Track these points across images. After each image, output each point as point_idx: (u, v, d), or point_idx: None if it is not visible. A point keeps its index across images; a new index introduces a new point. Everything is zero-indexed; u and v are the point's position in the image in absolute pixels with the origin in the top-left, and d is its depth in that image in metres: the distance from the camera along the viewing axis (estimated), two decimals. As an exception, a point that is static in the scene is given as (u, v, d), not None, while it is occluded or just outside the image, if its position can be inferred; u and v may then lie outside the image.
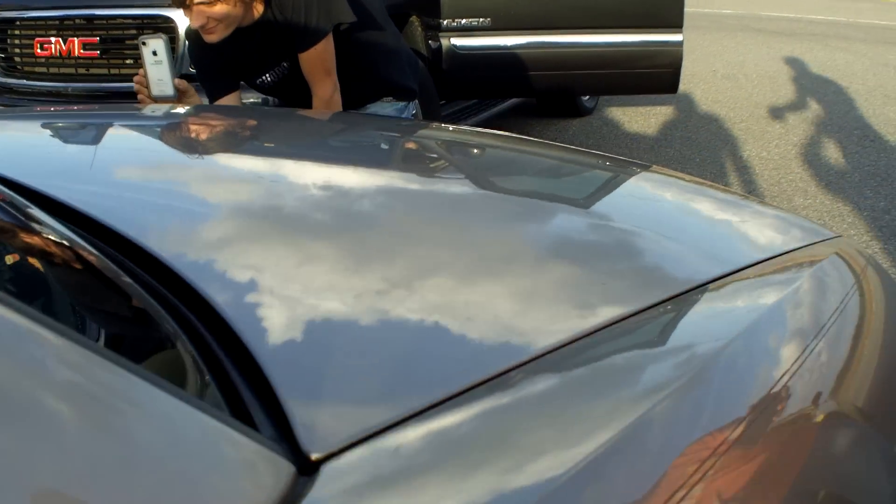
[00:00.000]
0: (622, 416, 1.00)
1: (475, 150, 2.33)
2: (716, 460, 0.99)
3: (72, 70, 5.31)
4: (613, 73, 6.00)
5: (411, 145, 2.35)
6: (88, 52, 5.23)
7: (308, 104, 3.28)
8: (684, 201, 1.92)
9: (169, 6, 4.62)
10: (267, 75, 3.33)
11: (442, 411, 0.97)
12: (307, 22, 3.08)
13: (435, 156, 2.27)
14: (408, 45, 3.81)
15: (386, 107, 3.51)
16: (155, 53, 2.92)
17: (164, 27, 4.98)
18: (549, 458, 0.92)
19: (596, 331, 1.17)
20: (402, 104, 3.57)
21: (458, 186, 1.96)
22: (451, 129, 2.71)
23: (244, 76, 3.33)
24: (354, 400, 1.01)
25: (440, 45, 5.68)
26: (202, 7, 2.94)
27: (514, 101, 7.50)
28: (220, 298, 1.14)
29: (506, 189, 1.95)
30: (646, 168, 2.31)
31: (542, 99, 7.92)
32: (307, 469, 0.86)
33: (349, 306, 1.19)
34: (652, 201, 1.92)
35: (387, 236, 1.49)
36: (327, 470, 0.86)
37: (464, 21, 5.67)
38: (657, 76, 6.02)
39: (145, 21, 5.11)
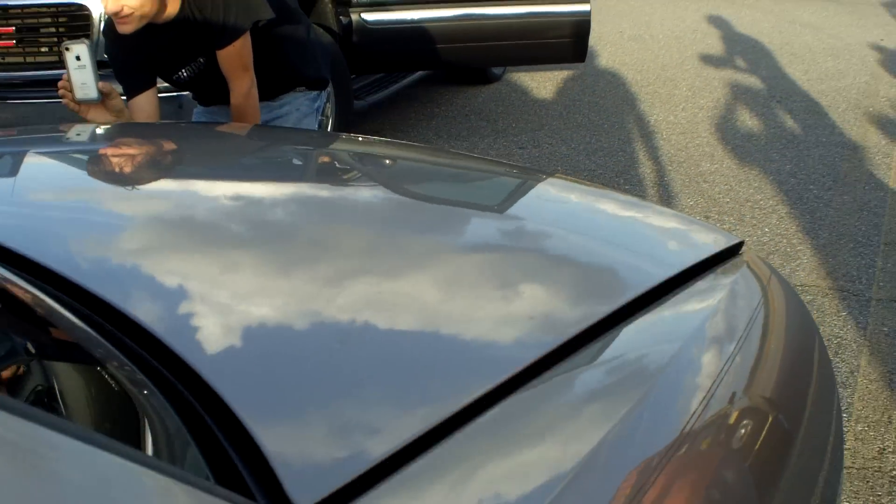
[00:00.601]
0: (587, 437, 1.07)
1: (387, 161, 2.36)
2: (668, 462, 1.10)
3: None
4: (522, 44, 6.05)
5: (335, 160, 2.37)
6: (4, 42, 5.19)
7: (224, 98, 3.28)
8: (591, 216, 1.97)
9: None
10: (183, 71, 3.33)
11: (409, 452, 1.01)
12: (226, 20, 3.08)
13: (357, 171, 2.30)
14: (319, 22, 3.81)
15: (299, 96, 3.53)
16: (78, 58, 2.96)
17: (79, 14, 4.98)
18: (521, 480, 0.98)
19: (543, 357, 1.23)
20: (314, 93, 3.59)
21: (385, 204, 1.99)
22: (360, 139, 2.74)
23: (160, 72, 3.33)
24: (328, 452, 1.04)
25: (350, 21, 5.69)
26: None
27: (423, 71, 7.52)
28: (180, 346, 1.17)
29: (413, 206, 1.99)
30: (550, 176, 2.35)
31: (452, 69, 7.94)
32: None
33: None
34: (563, 216, 1.96)
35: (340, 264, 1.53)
36: None
37: (373, -5, 5.70)
38: (565, 46, 6.07)
39: (59, 9, 5.10)
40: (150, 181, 2.06)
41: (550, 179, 2.29)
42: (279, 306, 1.33)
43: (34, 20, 5.20)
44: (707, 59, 9.12)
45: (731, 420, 1.31)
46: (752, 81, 8.26)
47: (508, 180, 2.26)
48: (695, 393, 1.27)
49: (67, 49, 2.97)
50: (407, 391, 1.16)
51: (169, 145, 2.48)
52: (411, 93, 7.38)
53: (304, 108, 3.55)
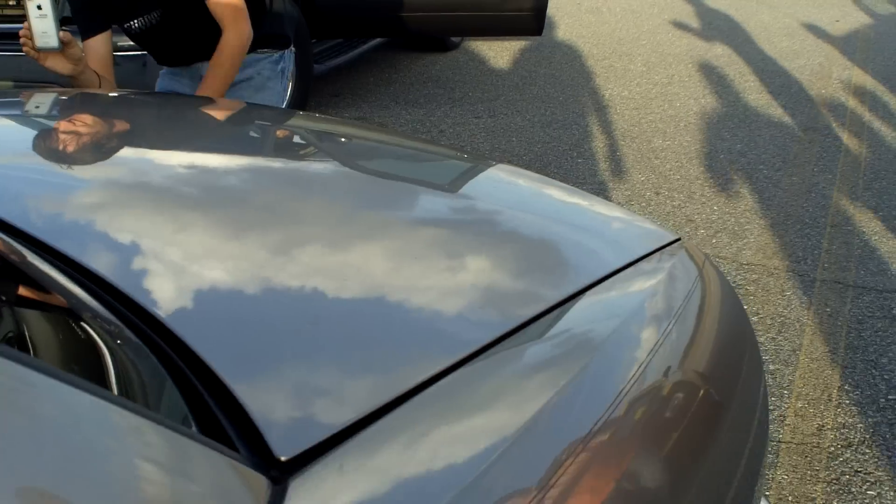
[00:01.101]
0: (529, 404, 1.15)
1: (347, 141, 2.41)
2: (602, 427, 1.19)
3: None
4: (479, 15, 6.09)
5: (313, 145, 2.41)
6: None
7: (183, 59, 3.30)
8: (538, 212, 2.02)
9: None
10: (136, 21, 3.34)
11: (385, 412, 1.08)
12: None
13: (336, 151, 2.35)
14: None
15: (261, 59, 3.54)
16: (39, 7, 2.99)
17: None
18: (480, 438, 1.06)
19: (498, 339, 1.30)
20: (277, 55, 3.60)
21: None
22: (318, 117, 2.79)
23: (115, 18, 3.34)
24: (314, 397, 1.12)
25: (309, -14, 5.71)
26: None
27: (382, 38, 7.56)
28: (161, 311, 1.22)
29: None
30: (493, 167, 2.40)
31: (411, 37, 7.99)
32: (280, 473, 0.95)
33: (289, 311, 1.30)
34: (511, 206, 2.01)
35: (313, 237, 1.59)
36: (298, 479, 0.95)
37: (333, -38, 5.72)
38: (522, 19, 6.11)
39: None
40: (109, 152, 2.10)
41: (501, 166, 2.35)
42: (251, 275, 1.38)
43: None
44: (663, 35, 9.20)
45: (665, 389, 1.39)
46: (707, 59, 8.35)
47: (462, 165, 2.32)
48: (632, 364, 1.35)
49: None
50: (372, 362, 1.22)
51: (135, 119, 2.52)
52: (371, 57, 7.41)
53: (267, 70, 3.55)
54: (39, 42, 3.03)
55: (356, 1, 5.85)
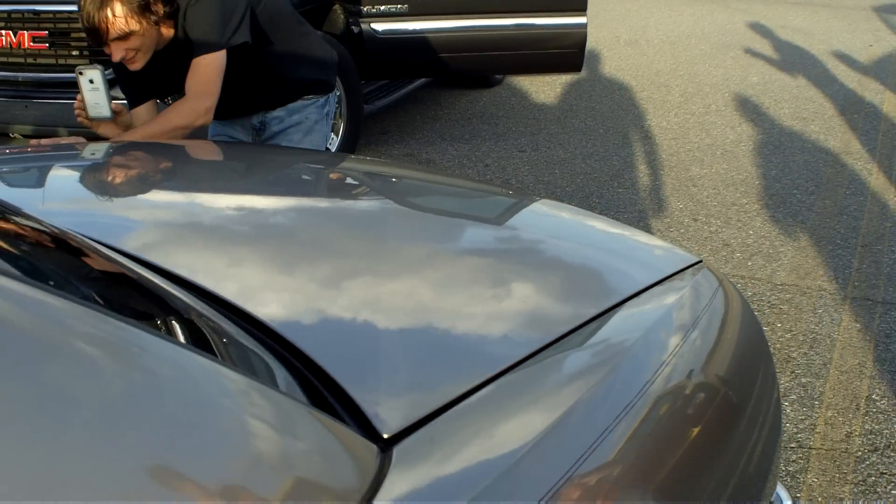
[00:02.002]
0: (564, 400, 1.44)
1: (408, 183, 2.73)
2: (629, 423, 1.44)
3: (21, 60, 5.69)
4: (522, 54, 6.38)
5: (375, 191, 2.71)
6: (37, 45, 5.60)
7: (221, 113, 3.55)
8: (576, 237, 2.32)
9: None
10: (170, 99, 3.63)
11: (469, 399, 1.38)
12: (198, 36, 3.33)
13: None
14: (331, 31, 4.03)
15: (307, 105, 3.81)
16: (91, 81, 3.28)
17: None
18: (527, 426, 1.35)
19: (545, 346, 1.59)
20: (322, 99, 3.88)
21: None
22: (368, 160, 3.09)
23: (156, 93, 3.61)
24: (403, 391, 1.43)
25: (361, 30, 6.02)
26: (118, 42, 3.21)
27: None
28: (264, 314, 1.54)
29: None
30: (535, 201, 2.72)
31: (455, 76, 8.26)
32: (384, 447, 1.23)
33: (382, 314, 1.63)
34: (547, 237, 2.31)
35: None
36: (400, 447, 1.23)
37: (383, 7, 6.04)
38: (563, 57, 6.40)
39: None
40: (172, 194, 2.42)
41: (540, 201, 2.67)
42: (347, 296, 1.71)
43: (65, 24, 5.58)
44: (700, 66, 9.44)
45: (686, 387, 1.66)
46: (742, 88, 8.59)
47: (507, 200, 2.65)
48: (655, 366, 1.62)
49: (81, 73, 3.30)
50: (442, 366, 1.52)
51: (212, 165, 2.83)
52: (416, 96, 7.68)
53: (314, 115, 3.83)
54: (92, 112, 3.33)
55: (403, 43, 6.15)
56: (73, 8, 5.37)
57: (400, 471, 1.17)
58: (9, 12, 5.62)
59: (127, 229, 1.99)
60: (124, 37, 3.20)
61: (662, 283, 1.96)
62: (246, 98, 3.71)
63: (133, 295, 1.54)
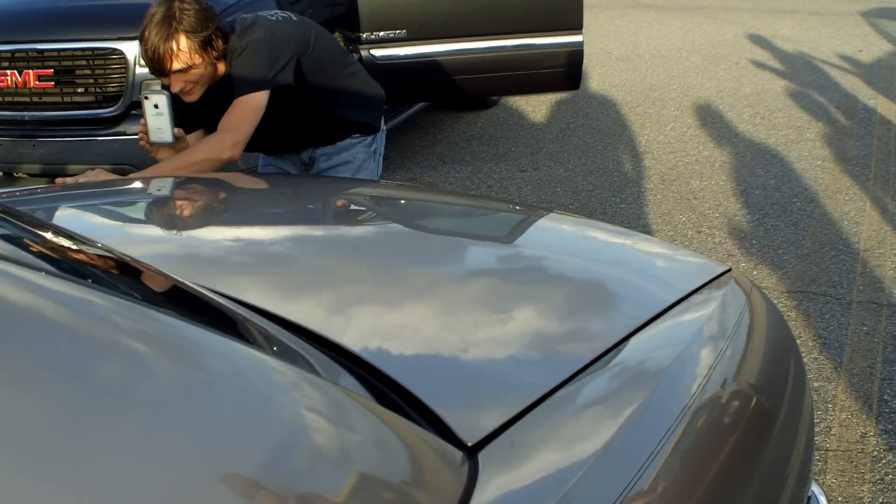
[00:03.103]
0: (615, 418, 1.50)
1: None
2: (672, 435, 1.50)
3: (27, 99, 5.74)
4: (520, 74, 6.46)
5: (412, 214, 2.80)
6: (42, 84, 5.66)
7: (267, 149, 3.76)
8: (600, 251, 2.40)
9: (118, 40, 5.28)
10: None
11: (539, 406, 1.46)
12: (242, 73, 3.45)
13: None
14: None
15: (356, 144, 3.93)
16: (156, 106, 3.35)
17: (113, 57, 5.44)
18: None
19: (586, 365, 1.66)
20: (369, 139, 4.00)
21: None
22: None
23: (204, 124, 3.70)
24: (477, 402, 1.50)
25: (360, 57, 6.10)
26: (179, 74, 3.34)
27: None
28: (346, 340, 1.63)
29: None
30: (549, 213, 2.80)
31: (454, 99, 8.36)
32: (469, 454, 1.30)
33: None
34: (576, 250, 2.40)
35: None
36: (483, 453, 1.31)
37: (381, 34, 6.11)
38: (560, 76, 6.48)
39: (95, 52, 5.52)
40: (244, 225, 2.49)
41: (555, 215, 2.75)
42: (410, 323, 1.80)
43: (70, 63, 5.65)
44: (692, 79, 9.53)
45: (724, 400, 1.72)
46: (736, 99, 8.67)
47: (527, 218, 2.71)
48: (694, 380, 1.68)
49: (147, 98, 3.37)
50: (505, 382, 1.60)
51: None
52: (415, 120, 7.75)
53: (362, 154, 3.95)
54: (154, 137, 3.39)
55: (403, 69, 6.22)
56: (78, 46, 5.53)
57: (489, 474, 1.26)
58: (12, 52, 5.67)
59: (172, 255, 2.06)
60: (185, 69, 3.35)
61: (694, 294, 2.02)
62: (292, 136, 3.86)
63: (193, 308, 1.61)
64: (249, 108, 3.44)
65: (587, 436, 1.44)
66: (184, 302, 1.59)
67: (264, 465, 1.05)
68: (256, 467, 1.04)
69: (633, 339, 1.77)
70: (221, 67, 3.47)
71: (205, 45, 3.35)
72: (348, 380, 1.49)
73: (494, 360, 1.67)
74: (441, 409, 1.40)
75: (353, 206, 2.80)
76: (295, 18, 3.69)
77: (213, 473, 0.98)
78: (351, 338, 1.63)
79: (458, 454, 1.29)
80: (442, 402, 1.44)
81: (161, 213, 2.64)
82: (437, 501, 1.18)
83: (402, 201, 2.83)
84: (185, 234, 2.37)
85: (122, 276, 1.62)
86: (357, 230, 2.45)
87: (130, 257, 1.68)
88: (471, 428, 1.36)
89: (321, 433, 1.19)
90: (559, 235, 2.53)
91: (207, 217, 2.61)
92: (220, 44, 3.41)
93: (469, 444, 1.32)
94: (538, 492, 1.28)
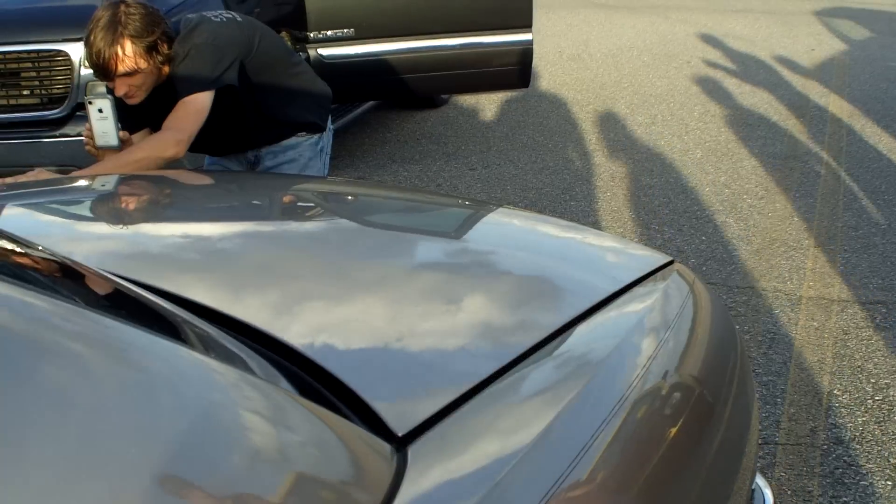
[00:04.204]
0: (551, 407, 1.46)
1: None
2: (616, 428, 1.47)
3: None
4: (469, 73, 6.40)
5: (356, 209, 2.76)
6: None
7: (220, 148, 3.76)
8: (544, 244, 2.36)
9: (63, 41, 5.25)
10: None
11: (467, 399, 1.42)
12: (188, 77, 3.44)
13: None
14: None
15: (301, 143, 3.91)
16: (101, 111, 3.33)
17: (58, 59, 5.34)
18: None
19: (524, 354, 1.62)
20: (316, 136, 3.99)
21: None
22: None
23: (148, 124, 3.66)
24: (412, 393, 1.47)
25: (308, 56, 6.03)
26: (124, 78, 3.33)
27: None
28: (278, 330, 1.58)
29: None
30: (497, 208, 2.75)
31: (404, 98, 8.29)
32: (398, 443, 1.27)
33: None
34: (522, 243, 2.35)
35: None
36: (414, 446, 1.27)
37: (329, 32, 6.04)
38: (509, 74, 6.42)
39: (40, 54, 5.43)
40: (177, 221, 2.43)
41: (503, 210, 2.70)
42: (342, 310, 1.77)
43: (15, 65, 5.54)
44: (643, 77, 9.52)
45: (664, 391, 1.68)
46: (687, 96, 8.67)
47: (475, 213, 2.66)
48: (633, 370, 1.64)
49: (91, 102, 3.35)
50: (443, 373, 1.57)
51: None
52: (364, 119, 7.68)
53: (308, 152, 3.94)
54: (100, 141, 3.37)
55: (350, 68, 6.16)
56: (23, 48, 5.44)
57: (418, 467, 1.23)
58: None
59: (116, 253, 2.00)
60: (131, 73, 3.34)
61: (637, 284, 1.98)
62: (238, 137, 3.85)
63: (132, 309, 1.56)
64: (193, 108, 3.43)
65: (521, 426, 1.40)
66: (122, 304, 1.56)
67: (198, 465, 1.03)
68: (186, 467, 1.02)
69: (573, 330, 1.74)
70: (166, 71, 3.45)
71: (150, 50, 3.34)
72: (284, 376, 1.45)
73: (434, 352, 1.64)
74: (375, 402, 1.37)
75: (299, 203, 2.75)
76: (240, 19, 3.68)
77: (148, 475, 0.97)
78: (293, 333, 1.59)
79: (386, 447, 1.26)
80: (377, 394, 1.41)
81: (104, 210, 2.58)
82: (364, 495, 1.15)
83: (350, 197, 2.79)
84: (129, 231, 2.30)
85: (60, 278, 1.58)
86: (303, 226, 2.41)
87: (70, 259, 1.64)
88: (403, 419, 1.33)
89: (255, 432, 1.16)
90: (505, 230, 2.48)
91: (151, 214, 2.55)
92: (165, 48, 3.40)
93: (400, 435, 1.29)
94: (468, 483, 1.24)
